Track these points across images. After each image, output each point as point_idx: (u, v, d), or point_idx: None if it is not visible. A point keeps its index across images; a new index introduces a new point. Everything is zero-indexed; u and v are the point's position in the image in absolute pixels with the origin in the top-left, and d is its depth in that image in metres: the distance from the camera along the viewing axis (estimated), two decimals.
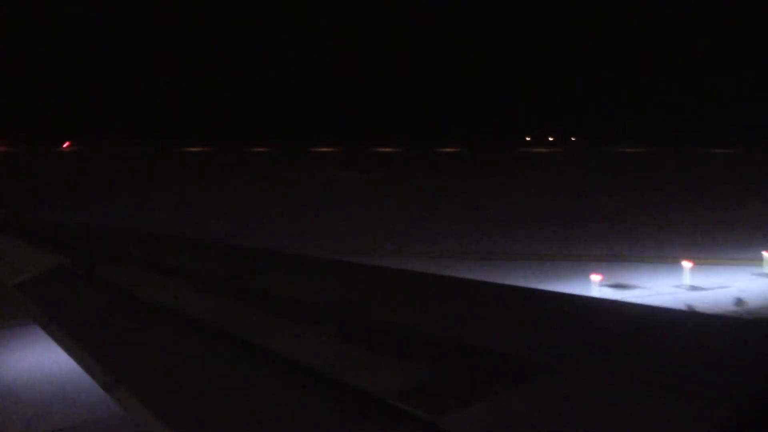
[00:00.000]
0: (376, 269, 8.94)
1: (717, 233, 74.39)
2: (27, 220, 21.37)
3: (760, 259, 56.68)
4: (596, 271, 48.87)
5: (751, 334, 4.92)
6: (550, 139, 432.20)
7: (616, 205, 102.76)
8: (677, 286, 50.22)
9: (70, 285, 9.54)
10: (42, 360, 26.26)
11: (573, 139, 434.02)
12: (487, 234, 73.07)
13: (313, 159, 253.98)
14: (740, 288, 49.21)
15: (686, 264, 52.15)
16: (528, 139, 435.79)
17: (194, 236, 34.34)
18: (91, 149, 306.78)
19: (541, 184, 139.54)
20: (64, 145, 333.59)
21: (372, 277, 8.42)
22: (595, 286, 46.85)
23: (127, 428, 6.12)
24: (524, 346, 4.88)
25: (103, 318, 7.82)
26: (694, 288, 49.77)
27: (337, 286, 7.85)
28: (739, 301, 45.68)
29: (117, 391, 5.47)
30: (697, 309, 39.30)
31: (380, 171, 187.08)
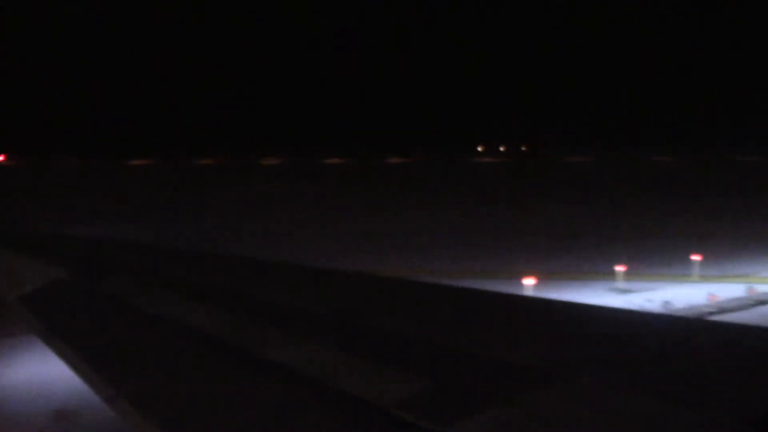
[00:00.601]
0: (377, 279, 9.47)
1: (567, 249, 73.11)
2: (25, 233, 21.46)
3: (614, 273, 55.43)
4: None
5: (754, 341, 4.85)
6: (501, 149, 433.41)
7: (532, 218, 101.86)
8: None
9: (69, 297, 9.62)
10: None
11: (523, 148, 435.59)
12: (399, 252, 70.13)
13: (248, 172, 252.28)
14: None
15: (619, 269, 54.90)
16: (480, 149, 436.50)
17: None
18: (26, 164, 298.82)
19: (452, 197, 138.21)
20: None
21: (372, 287, 8.49)
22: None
23: None
24: (526, 354, 4.81)
25: (104, 330, 7.89)
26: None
27: (338, 295, 7.85)
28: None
29: (118, 404, 5.45)
30: None
31: (303, 183, 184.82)
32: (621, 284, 54.87)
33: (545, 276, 54.36)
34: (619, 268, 56.00)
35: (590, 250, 71.03)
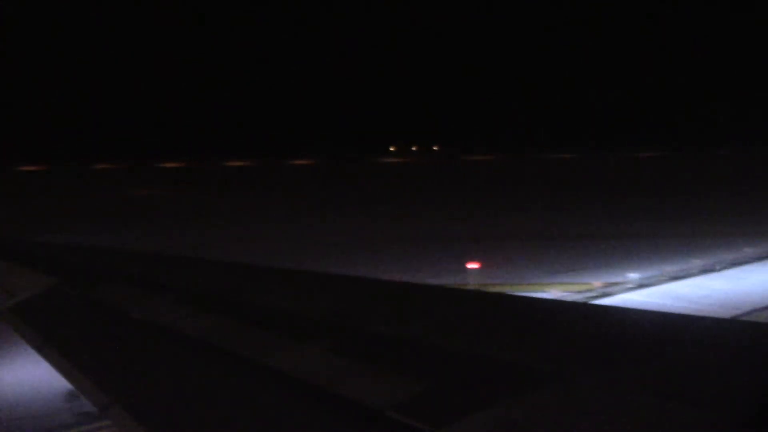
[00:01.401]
0: (371, 281, 9.39)
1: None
2: (18, 242, 20.29)
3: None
4: None
5: (755, 337, 4.83)
6: (413, 149, 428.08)
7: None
8: None
9: (63, 306, 9.48)
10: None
11: (435, 148, 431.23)
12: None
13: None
14: None
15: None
16: (392, 149, 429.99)
17: None
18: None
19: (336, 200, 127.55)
20: None
21: (367, 290, 8.40)
22: None
23: None
24: (522, 354, 4.85)
25: (98, 339, 7.80)
26: None
27: (332, 299, 7.66)
28: None
29: (113, 412, 5.46)
30: None
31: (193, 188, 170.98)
32: None
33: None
34: None
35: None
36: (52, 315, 9.29)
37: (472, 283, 48.63)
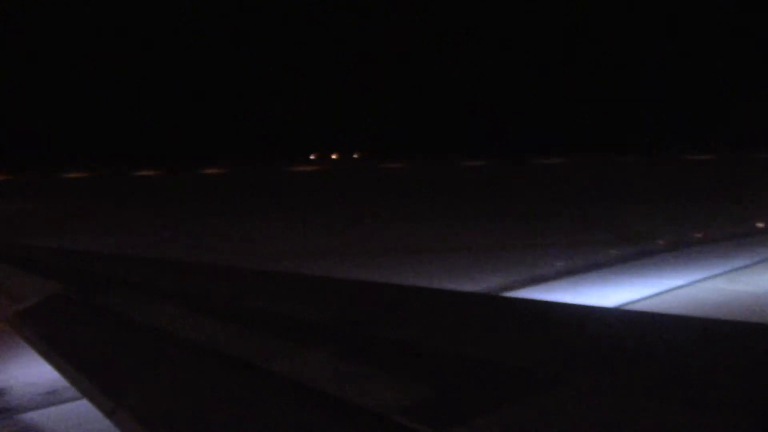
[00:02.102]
0: (374, 285, 9.59)
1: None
2: (22, 247, 20.90)
3: None
4: None
5: (755, 338, 4.83)
6: (333, 156, 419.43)
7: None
8: None
9: (68, 312, 9.70)
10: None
11: (355, 156, 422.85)
12: None
13: None
14: None
15: None
16: (312, 157, 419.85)
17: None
18: None
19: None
20: None
21: (370, 294, 8.60)
22: None
23: None
24: (526, 357, 4.88)
25: (102, 344, 7.93)
26: None
27: (336, 304, 7.86)
28: None
29: (118, 417, 5.49)
30: None
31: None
32: None
33: None
34: None
35: None
36: (57, 321, 9.36)
37: None
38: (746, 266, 38.46)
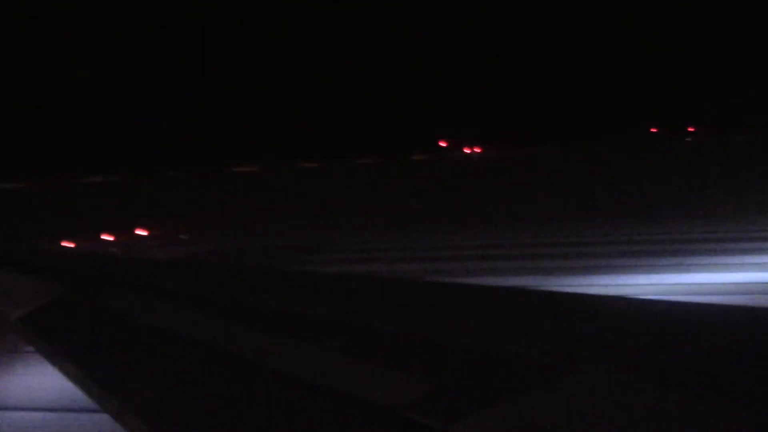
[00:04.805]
0: (376, 280, 10.05)
1: None
2: (24, 251, 17.89)
3: None
4: None
5: (766, 325, 4.83)
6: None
7: None
8: None
9: (71, 315, 9.46)
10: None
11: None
12: None
13: None
14: None
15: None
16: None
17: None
18: None
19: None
20: None
21: (372, 289, 8.62)
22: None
23: None
24: (530, 348, 4.84)
25: (107, 345, 7.74)
26: None
27: (339, 299, 7.63)
28: None
29: (124, 417, 5.58)
30: None
31: None
32: None
33: None
34: None
35: None
36: (60, 324, 9.26)
37: None
38: None
